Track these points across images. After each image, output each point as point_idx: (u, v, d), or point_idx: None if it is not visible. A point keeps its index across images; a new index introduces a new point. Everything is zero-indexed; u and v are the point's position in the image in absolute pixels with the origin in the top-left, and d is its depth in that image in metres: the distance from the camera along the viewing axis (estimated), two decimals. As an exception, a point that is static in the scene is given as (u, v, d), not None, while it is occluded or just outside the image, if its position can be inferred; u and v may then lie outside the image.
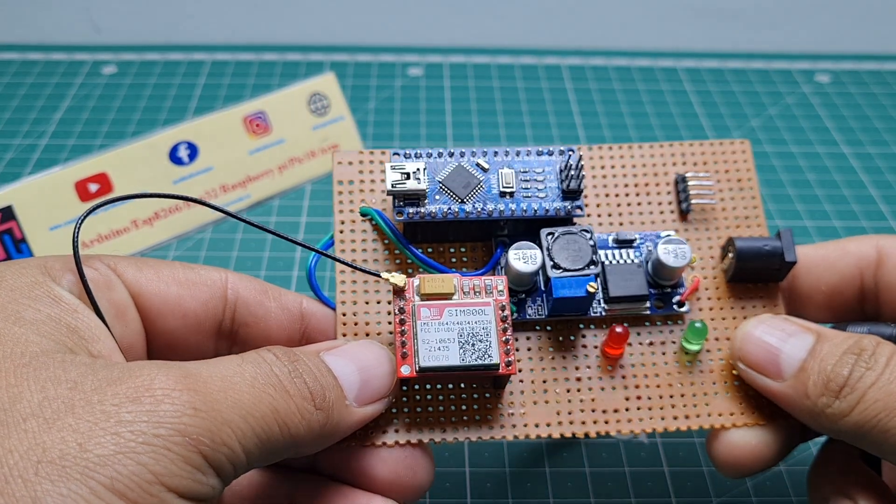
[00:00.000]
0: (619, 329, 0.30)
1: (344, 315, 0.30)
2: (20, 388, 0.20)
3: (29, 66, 0.64)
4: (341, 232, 0.31)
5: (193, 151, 0.50)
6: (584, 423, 0.30)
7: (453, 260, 0.31)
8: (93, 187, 0.47)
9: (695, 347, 0.31)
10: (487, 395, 0.30)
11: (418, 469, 0.28)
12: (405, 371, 0.27)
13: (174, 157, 0.49)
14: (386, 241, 0.31)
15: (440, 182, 0.30)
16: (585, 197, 0.32)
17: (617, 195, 0.33)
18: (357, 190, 0.31)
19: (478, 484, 0.35)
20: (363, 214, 0.31)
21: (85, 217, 0.25)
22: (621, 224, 0.32)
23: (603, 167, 0.33)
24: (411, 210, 0.29)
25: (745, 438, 0.30)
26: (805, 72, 0.64)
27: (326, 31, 0.71)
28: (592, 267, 0.29)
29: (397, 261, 0.31)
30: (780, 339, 0.29)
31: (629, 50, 0.67)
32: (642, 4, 0.73)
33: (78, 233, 0.25)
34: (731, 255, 0.31)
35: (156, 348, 0.28)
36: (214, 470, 0.21)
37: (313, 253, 0.30)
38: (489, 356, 0.27)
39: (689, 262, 0.30)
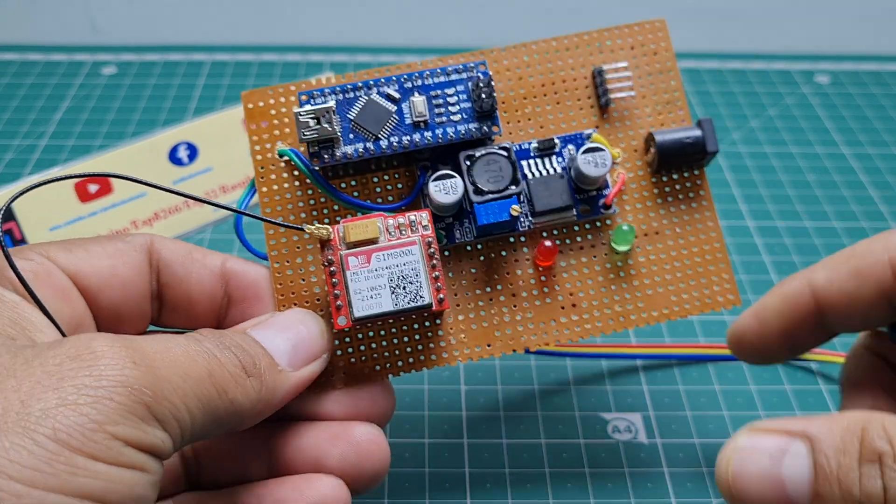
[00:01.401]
0: (547, 243, 0.30)
1: (277, 266, 0.30)
2: None
3: (28, 67, 0.64)
4: (262, 178, 0.30)
5: (193, 152, 0.50)
6: (522, 337, 0.30)
7: (378, 190, 0.31)
8: (92, 188, 0.47)
9: (624, 248, 0.31)
10: (427, 324, 0.30)
11: (377, 400, 0.30)
12: (341, 322, 0.28)
13: (174, 158, 0.49)
14: (309, 181, 0.30)
15: (352, 120, 0.29)
16: (503, 103, 0.32)
17: (535, 97, 0.32)
18: (272, 130, 0.31)
19: (477, 484, 0.35)
20: (281, 156, 0.30)
21: (10, 203, 0.26)
22: (542, 128, 0.32)
23: (518, 68, 0.32)
24: (327, 155, 0.29)
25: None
26: (805, 72, 0.64)
27: (326, 32, 0.71)
28: (513, 187, 0.29)
29: (322, 200, 0.30)
30: (775, 466, 0.23)
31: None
32: (641, 6, 0.73)
33: (1, 220, 0.25)
34: (652, 149, 0.31)
35: (103, 324, 0.28)
36: (160, 423, 0.21)
37: (241, 201, 0.30)
38: (421, 297, 0.27)
39: (610, 168, 0.30)
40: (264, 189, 0.31)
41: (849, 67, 0.65)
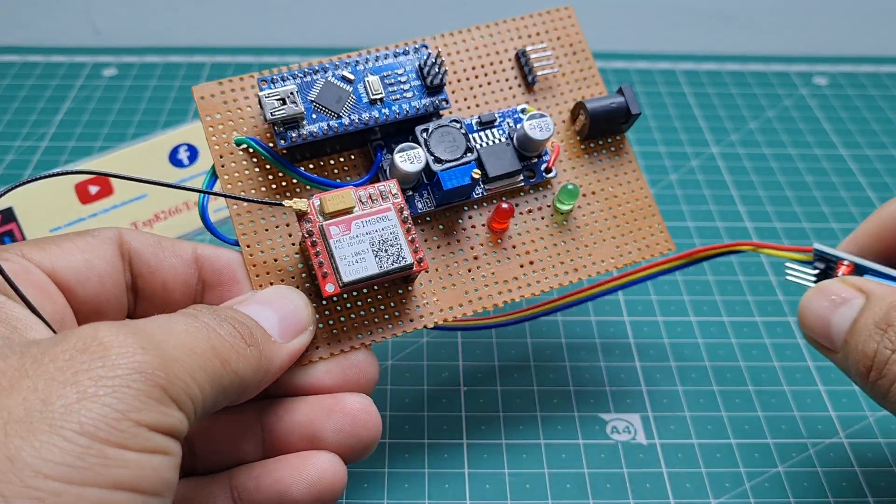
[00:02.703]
0: (504, 205, 0.32)
1: (249, 248, 0.31)
2: None
3: (29, 69, 0.64)
4: (223, 167, 0.31)
5: (193, 153, 0.50)
6: (490, 296, 0.33)
7: (336, 171, 0.32)
8: (93, 189, 0.47)
9: (567, 207, 0.34)
10: (400, 290, 0.32)
11: (362, 368, 0.30)
12: (330, 289, 0.29)
13: (174, 160, 0.49)
14: (268, 167, 0.31)
15: (313, 101, 0.31)
16: (449, 84, 0.35)
17: (468, 79, 0.35)
18: (226, 121, 0.31)
19: (476, 486, 0.36)
20: (238, 144, 0.31)
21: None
22: (478, 106, 0.35)
23: (449, 54, 0.35)
24: (294, 134, 0.30)
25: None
26: (803, 74, 0.65)
27: (325, 35, 0.71)
28: (469, 154, 0.32)
29: (283, 183, 0.31)
30: (830, 310, 0.29)
31: (627, 53, 0.68)
32: (640, 7, 0.73)
33: None
34: (582, 116, 0.35)
35: (83, 318, 0.28)
36: (175, 403, 0.21)
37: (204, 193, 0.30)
38: (403, 258, 0.29)
39: (553, 132, 0.33)
40: (226, 177, 0.31)
41: (847, 69, 0.65)
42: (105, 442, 0.19)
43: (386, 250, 0.29)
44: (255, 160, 0.31)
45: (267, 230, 0.31)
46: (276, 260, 0.31)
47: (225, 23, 0.72)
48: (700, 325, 0.43)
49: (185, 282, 0.30)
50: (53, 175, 0.28)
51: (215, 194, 0.30)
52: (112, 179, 0.49)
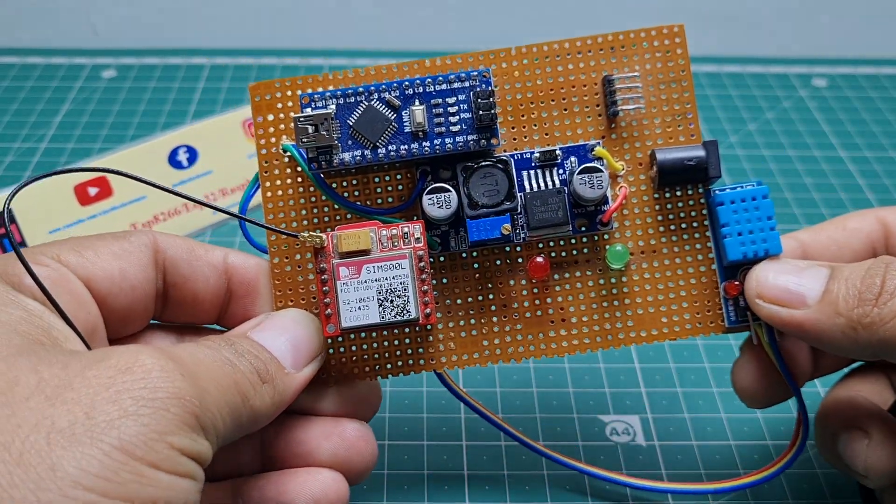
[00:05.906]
0: (539, 259, 0.30)
1: (277, 262, 0.30)
2: (14, 373, 0.21)
3: (28, 70, 0.65)
4: (266, 173, 0.31)
5: (193, 155, 0.50)
6: (509, 350, 0.31)
7: (378, 190, 0.31)
8: (92, 191, 0.47)
9: (617, 266, 0.31)
10: (417, 328, 0.31)
11: (364, 398, 0.31)
12: (330, 330, 0.29)
13: (173, 161, 0.50)
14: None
15: (351, 126, 0.29)
16: (509, 108, 0.31)
17: (542, 102, 0.31)
18: (278, 125, 0.31)
19: (476, 486, 0.36)
20: (285, 151, 0.30)
21: (10, 199, 0.26)
22: (546, 135, 0.31)
23: (528, 71, 0.31)
24: (324, 161, 0.29)
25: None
26: (802, 76, 0.65)
27: (325, 36, 0.71)
28: (508, 202, 0.29)
29: (323, 197, 0.31)
30: (796, 273, 0.28)
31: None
32: (639, 9, 0.73)
33: (9, 223, 0.26)
34: (654, 167, 0.30)
35: (112, 326, 0.29)
36: (204, 432, 0.22)
37: (245, 197, 0.31)
38: (407, 311, 0.28)
39: (606, 189, 0.30)
40: (267, 184, 0.31)
41: (846, 71, 0.65)
42: (140, 460, 0.20)
43: (392, 301, 0.28)
44: (299, 170, 0.31)
45: (298, 245, 0.31)
46: (301, 278, 0.31)
47: (224, 25, 0.72)
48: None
49: (216, 293, 0.30)
50: (66, 171, 0.28)
51: (238, 217, 0.30)
52: (111, 181, 0.49)
